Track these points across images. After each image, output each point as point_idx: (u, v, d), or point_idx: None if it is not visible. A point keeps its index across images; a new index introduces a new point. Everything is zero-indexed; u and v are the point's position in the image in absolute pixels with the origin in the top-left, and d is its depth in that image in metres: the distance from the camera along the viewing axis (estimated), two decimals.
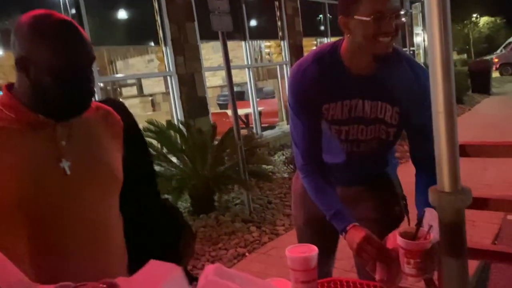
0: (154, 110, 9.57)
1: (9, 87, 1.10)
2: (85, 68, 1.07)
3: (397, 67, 1.41)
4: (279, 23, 8.50)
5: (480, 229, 3.49)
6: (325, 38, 10.31)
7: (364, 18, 1.26)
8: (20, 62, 1.03)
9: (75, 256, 1.07)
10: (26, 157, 1.03)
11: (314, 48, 1.47)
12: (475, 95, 12.57)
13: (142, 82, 10.67)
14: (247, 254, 3.54)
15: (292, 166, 5.16)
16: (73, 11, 5.16)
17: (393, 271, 1.22)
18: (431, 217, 1.14)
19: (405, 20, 1.34)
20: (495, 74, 18.12)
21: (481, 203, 1.98)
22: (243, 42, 7.62)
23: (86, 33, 1.09)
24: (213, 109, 8.03)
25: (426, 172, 1.42)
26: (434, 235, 1.10)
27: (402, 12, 1.29)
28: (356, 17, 1.28)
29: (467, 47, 38.42)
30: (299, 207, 1.74)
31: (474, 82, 13.03)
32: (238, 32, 7.25)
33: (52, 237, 1.05)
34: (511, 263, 1.57)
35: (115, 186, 1.18)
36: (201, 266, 3.35)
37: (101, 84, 5.59)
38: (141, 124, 4.75)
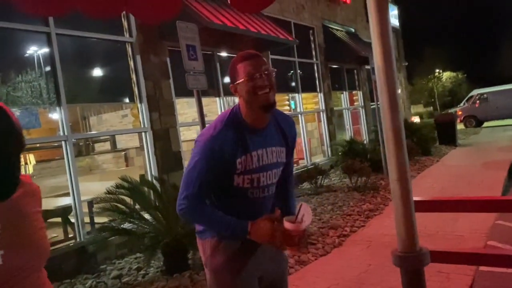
0: (127, 165, 9.47)
1: None
2: (13, 157, 1.05)
3: (275, 118, 1.86)
4: None
5: (454, 281, 3.51)
6: (297, 94, 10.64)
7: (241, 80, 1.70)
8: None
9: None
10: None
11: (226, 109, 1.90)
12: (442, 146, 13.00)
13: (115, 137, 10.62)
14: None
15: None
16: (48, 68, 5.21)
17: (296, 243, 1.68)
18: (304, 209, 1.67)
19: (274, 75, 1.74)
20: (460, 126, 18.91)
21: (454, 257, 2.03)
22: (217, 98, 7.79)
23: (17, 120, 1.08)
24: (187, 163, 8.01)
25: (287, 188, 1.98)
26: (307, 220, 1.65)
27: (271, 70, 1.72)
28: (238, 81, 1.72)
29: (432, 100, 40.22)
30: (229, 276, 1.78)
31: (440, 134, 13.53)
32: (212, 88, 7.44)
33: None
34: None
35: (45, 260, 1.16)
36: None
37: (74, 140, 5.55)
38: (114, 180, 4.71)
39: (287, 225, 1.64)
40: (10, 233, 1.07)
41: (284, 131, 1.87)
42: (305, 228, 1.67)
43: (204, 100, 4.57)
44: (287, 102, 11.26)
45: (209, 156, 1.71)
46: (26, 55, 5.24)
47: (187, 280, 4.08)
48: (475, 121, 21.89)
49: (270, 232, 1.65)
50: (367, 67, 12.74)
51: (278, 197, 1.95)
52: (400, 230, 0.74)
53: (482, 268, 3.73)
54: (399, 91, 18.55)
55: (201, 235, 1.88)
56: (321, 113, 11.67)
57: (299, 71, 10.68)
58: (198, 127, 4.88)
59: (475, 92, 23.62)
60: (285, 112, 9.50)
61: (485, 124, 21.52)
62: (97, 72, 6.19)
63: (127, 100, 6.54)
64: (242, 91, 1.72)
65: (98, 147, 11.04)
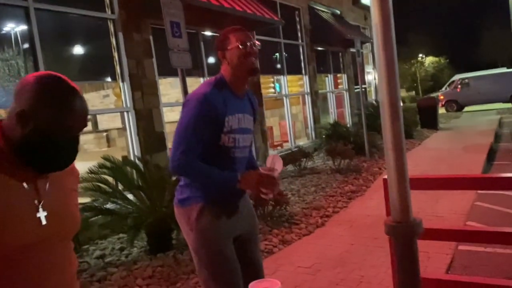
0: (109, 146, 9.35)
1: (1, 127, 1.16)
2: (78, 133, 1.18)
3: (248, 94, 2.16)
4: None
5: (434, 260, 3.60)
6: (282, 76, 10.59)
7: (233, 46, 1.97)
8: (21, 114, 1.10)
9: None
10: (5, 206, 1.08)
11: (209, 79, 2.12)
12: (424, 130, 13.19)
13: (97, 117, 10.44)
14: None
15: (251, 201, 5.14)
16: (26, 45, 5.05)
17: (274, 186, 2.00)
18: (275, 158, 2.05)
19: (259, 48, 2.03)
20: (442, 111, 19.16)
21: (433, 234, 2.06)
22: (201, 79, 7.70)
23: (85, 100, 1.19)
24: (170, 144, 7.95)
25: (251, 152, 2.24)
26: (278, 167, 2.02)
27: (257, 42, 2.03)
28: (229, 48, 1.98)
29: (415, 84, 40.60)
30: (215, 234, 2.00)
31: (422, 118, 13.71)
32: (196, 69, 7.33)
33: (22, 283, 1.10)
34: None
35: (74, 232, 1.30)
36: None
37: None
38: (96, 161, 4.64)
39: (264, 172, 1.99)
40: (53, 199, 1.20)
41: (253, 105, 2.19)
42: (279, 174, 2.02)
43: (188, 80, 4.49)
44: (272, 84, 11.19)
45: (204, 112, 1.89)
46: (3, 31, 5.05)
47: (171, 260, 4.08)
48: (457, 105, 22.21)
49: (257, 180, 1.95)
50: (352, 50, 12.73)
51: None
52: (394, 200, 0.73)
53: (461, 247, 3.83)
54: None
55: (184, 203, 2.04)
56: (306, 96, 11.66)
57: (284, 53, 10.61)
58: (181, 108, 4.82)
59: (457, 77, 23.92)
60: (269, 94, 9.41)
61: (466, 108, 21.86)
62: (78, 50, 6.02)
63: (109, 79, 6.40)
64: (233, 56, 1.98)
65: None
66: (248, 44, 1.97)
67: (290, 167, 8.55)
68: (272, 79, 11.03)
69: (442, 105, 21.74)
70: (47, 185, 1.19)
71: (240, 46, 1.96)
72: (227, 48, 1.99)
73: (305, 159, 8.31)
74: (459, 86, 22.50)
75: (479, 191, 5.28)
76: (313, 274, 3.64)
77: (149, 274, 3.83)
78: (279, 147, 10.68)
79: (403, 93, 36.89)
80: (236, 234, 2.09)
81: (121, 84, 6.09)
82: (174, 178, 4.67)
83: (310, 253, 4.13)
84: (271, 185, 1.98)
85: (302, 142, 11.26)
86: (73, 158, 1.21)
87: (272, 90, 11.13)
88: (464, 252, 3.77)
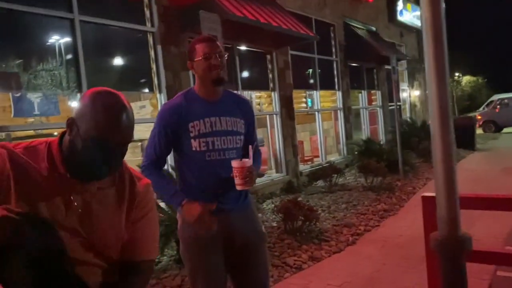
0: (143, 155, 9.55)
1: (62, 136, 1.23)
2: (122, 146, 1.21)
3: (230, 96, 2.20)
4: (270, 75, 8.74)
5: (470, 286, 3.45)
6: (315, 91, 10.56)
7: (198, 59, 2.02)
8: (69, 121, 1.18)
9: None
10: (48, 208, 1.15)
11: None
12: (461, 150, 12.79)
13: None
14: None
15: (281, 215, 5.11)
16: (70, 55, 5.25)
17: (248, 177, 1.95)
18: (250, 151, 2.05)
19: (226, 57, 2.08)
20: (479, 131, 18.57)
21: (472, 256, 1.98)
22: (236, 92, 7.78)
23: (132, 113, 1.24)
24: None
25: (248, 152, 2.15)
26: (249, 161, 1.97)
27: (223, 53, 2.05)
28: (195, 59, 2.03)
29: (451, 104, 39.58)
30: (195, 246, 2.06)
31: (459, 137, 13.27)
32: (230, 82, 7.42)
33: None
34: None
35: (103, 253, 1.28)
36: None
37: None
38: None
39: (233, 163, 1.97)
40: (92, 214, 1.23)
41: (242, 107, 2.18)
42: (249, 166, 1.96)
43: None
44: (304, 100, 11.18)
45: (164, 121, 2.03)
46: (49, 41, 5.28)
47: None
48: (495, 126, 21.49)
49: (197, 216, 1.89)
50: (387, 67, 12.58)
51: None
52: (442, 214, 0.71)
53: (499, 272, 3.66)
54: (418, 92, 18.28)
55: (176, 209, 2.14)
56: (339, 111, 11.58)
57: (318, 68, 10.60)
58: None
59: (496, 97, 23.20)
60: (301, 108, 9.38)
61: (505, 130, 21.11)
62: (118, 61, 6.23)
63: (146, 90, 6.57)
64: (198, 68, 2.04)
65: None
66: (213, 56, 2.00)
67: (320, 183, 8.47)
68: (304, 94, 11.02)
69: (479, 125, 21.08)
70: (92, 200, 1.22)
71: (204, 59, 2.00)
72: (194, 59, 2.05)
73: (336, 175, 8.21)
74: (498, 107, 21.79)
75: None
76: None
77: (178, 283, 3.85)
78: (309, 162, 10.61)
79: None
80: (231, 245, 2.09)
81: (158, 95, 6.24)
82: None
83: (340, 271, 4.06)
84: (242, 176, 1.93)
85: (333, 157, 11.15)
86: (112, 171, 1.23)
87: (304, 104, 11.12)
88: (502, 278, 3.60)
